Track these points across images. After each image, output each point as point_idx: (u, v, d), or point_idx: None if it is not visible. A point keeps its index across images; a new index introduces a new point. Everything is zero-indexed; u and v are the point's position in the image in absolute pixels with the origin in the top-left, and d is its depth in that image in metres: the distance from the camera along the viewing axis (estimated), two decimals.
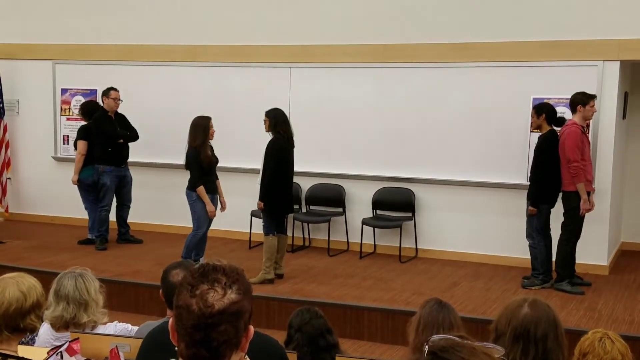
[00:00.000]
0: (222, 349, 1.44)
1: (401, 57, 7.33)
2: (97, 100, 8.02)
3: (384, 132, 7.47)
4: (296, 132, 7.73)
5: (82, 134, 7.62)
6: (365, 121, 7.52)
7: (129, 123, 7.72)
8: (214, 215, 6.53)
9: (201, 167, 6.41)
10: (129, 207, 7.88)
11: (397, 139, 7.43)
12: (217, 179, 6.66)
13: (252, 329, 1.50)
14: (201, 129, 6.39)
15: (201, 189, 6.42)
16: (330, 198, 7.71)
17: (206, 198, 6.43)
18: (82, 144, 7.57)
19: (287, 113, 7.73)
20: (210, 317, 1.41)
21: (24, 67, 8.91)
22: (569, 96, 6.26)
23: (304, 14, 7.70)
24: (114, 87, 7.59)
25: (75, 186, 7.65)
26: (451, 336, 1.50)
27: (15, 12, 8.89)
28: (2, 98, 8.81)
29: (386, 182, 7.51)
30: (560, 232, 6.21)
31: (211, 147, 6.54)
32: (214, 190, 6.57)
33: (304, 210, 7.83)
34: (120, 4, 8.43)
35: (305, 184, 7.81)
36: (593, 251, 6.71)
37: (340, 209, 7.68)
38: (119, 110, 7.66)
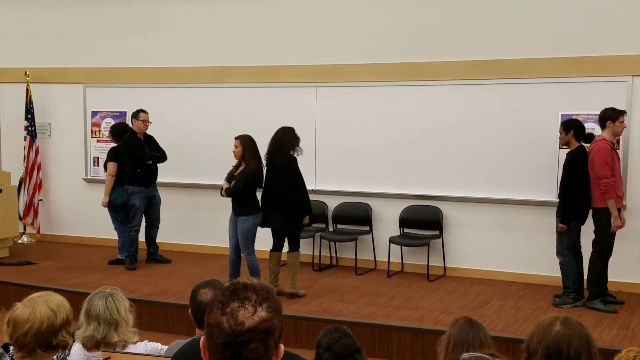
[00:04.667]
0: None
1: (427, 75, 7.33)
2: (127, 122, 8.14)
3: (410, 150, 7.46)
4: (322, 150, 7.81)
5: (111, 155, 7.73)
6: (391, 139, 7.52)
7: (158, 144, 7.82)
8: None
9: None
10: (158, 227, 7.95)
11: (424, 156, 7.41)
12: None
13: (282, 347, 1.50)
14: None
15: None
16: (357, 216, 7.70)
17: None
18: (112, 166, 7.67)
19: (314, 132, 7.82)
20: (240, 335, 1.42)
21: (55, 91, 9.10)
22: (598, 112, 6.19)
23: (329, 34, 7.76)
24: (143, 109, 7.71)
25: (105, 207, 7.75)
26: (482, 354, 1.49)
27: (46, 37, 9.09)
28: (34, 121, 8.99)
29: (413, 200, 7.48)
30: (591, 249, 6.12)
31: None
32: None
33: (330, 228, 7.82)
34: (148, 28, 8.58)
35: (332, 203, 7.82)
36: (625, 269, 6.59)
37: (367, 228, 7.66)
38: (148, 132, 7.77)
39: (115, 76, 8.74)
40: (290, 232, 6.48)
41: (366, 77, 7.57)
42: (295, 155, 6.42)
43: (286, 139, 6.37)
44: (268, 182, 6.43)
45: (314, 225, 7.76)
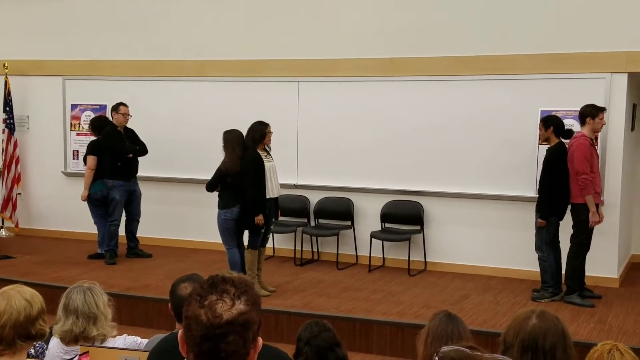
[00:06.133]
0: None
1: (409, 71, 7.35)
2: (107, 116, 8.08)
3: (392, 145, 7.48)
4: (304, 145, 7.81)
5: (91, 149, 7.67)
6: (373, 135, 7.54)
7: (138, 138, 7.76)
8: None
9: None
10: (138, 221, 7.90)
11: (406, 152, 7.44)
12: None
13: (260, 340, 1.50)
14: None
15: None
16: (339, 211, 7.71)
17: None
18: (91, 159, 7.61)
19: (296, 127, 7.81)
20: (218, 328, 1.42)
21: (34, 83, 9.00)
22: (577, 108, 6.25)
23: (311, 29, 7.75)
24: (124, 102, 7.65)
25: (84, 201, 7.68)
26: (461, 347, 1.50)
27: (25, 29, 8.99)
28: (12, 114, 8.89)
29: (395, 195, 7.51)
30: (569, 244, 6.18)
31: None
32: None
33: (312, 223, 7.83)
34: (129, 21, 8.51)
35: (313, 198, 7.82)
36: (603, 264, 6.67)
37: (349, 222, 7.68)
38: (128, 125, 7.71)
39: (95, 69, 8.67)
40: (246, 228, 6.39)
41: (348, 72, 7.57)
42: (263, 149, 6.31)
43: (249, 134, 6.29)
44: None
45: (296, 219, 7.79)
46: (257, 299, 1.50)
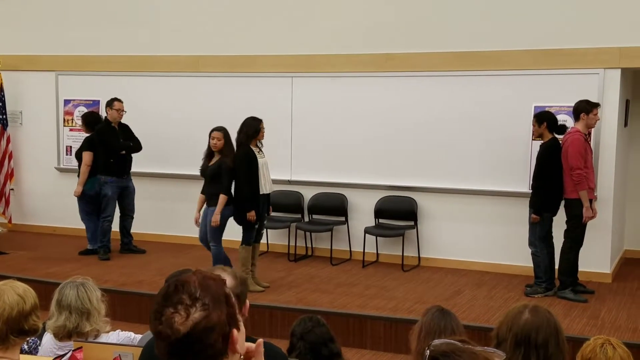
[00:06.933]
0: None
1: (403, 66, 7.35)
2: (100, 111, 8.04)
3: (386, 141, 7.48)
4: (298, 141, 7.81)
5: (87, 145, 7.63)
6: (367, 130, 7.53)
7: (133, 134, 7.74)
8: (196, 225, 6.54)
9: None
10: (132, 217, 7.89)
11: (400, 148, 7.44)
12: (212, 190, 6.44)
13: (235, 332, 1.46)
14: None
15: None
16: (333, 207, 7.71)
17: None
18: (87, 155, 7.56)
19: (290, 122, 7.81)
20: (179, 342, 1.40)
21: (27, 79, 8.95)
22: (570, 104, 6.27)
23: (305, 24, 7.74)
24: (118, 98, 7.62)
25: (77, 197, 7.65)
26: (452, 341, 1.50)
27: (18, 23, 8.94)
28: (5, 109, 8.85)
29: (388, 191, 7.51)
30: (562, 240, 6.20)
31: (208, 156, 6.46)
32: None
33: (306, 219, 7.83)
34: (123, 16, 8.48)
35: (307, 193, 7.82)
36: (596, 259, 6.70)
37: (343, 218, 7.68)
38: (123, 121, 7.68)
39: (88, 64, 8.63)
40: (240, 224, 6.38)
41: (342, 67, 7.56)
42: (255, 145, 6.29)
43: (243, 129, 6.26)
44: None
45: (290, 215, 7.79)
46: (218, 296, 1.44)
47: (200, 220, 6.48)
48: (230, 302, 1.47)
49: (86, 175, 7.56)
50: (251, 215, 6.17)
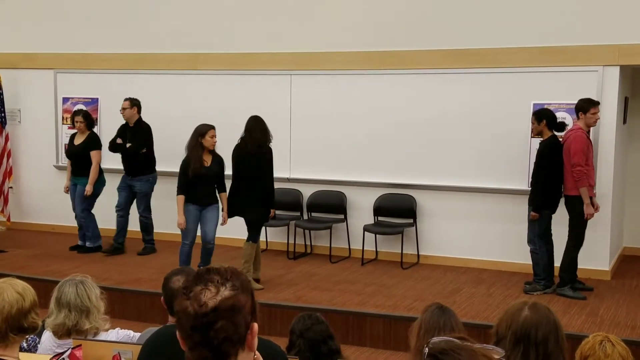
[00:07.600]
0: (224, 347, 1.44)
1: (401, 64, 7.34)
2: (97, 109, 8.02)
3: (385, 138, 7.48)
4: (297, 138, 7.80)
5: (94, 143, 7.65)
6: (365, 128, 7.53)
7: (141, 135, 7.61)
8: (183, 227, 6.46)
9: (186, 175, 6.35)
10: (144, 217, 7.81)
11: (399, 145, 7.44)
12: (223, 191, 6.53)
13: (256, 326, 1.49)
14: (194, 137, 6.38)
15: (178, 199, 6.37)
16: (332, 205, 7.71)
17: (180, 208, 6.36)
18: (96, 154, 7.60)
19: (288, 120, 7.81)
20: (204, 316, 1.42)
21: (25, 77, 8.94)
22: (570, 102, 6.29)
23: (304, 22, 7.73)
24: (128, 97, 7.60)
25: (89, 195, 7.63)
26: (451, 338, 1.50)
27: (17, 21, 8.93)
28: (3, 107, 8.83)
29: (387, 189, 7.51)
30: (560, 237, 6.20)
31: (213, 157, 6.47)
32: (194, 201, 6.45)
33: (305, 217, 7.83)
34: (121, 13, 8.46)
35: (306, 191, 7.82)
36: (595, 256, 6.70)
37: (342, 216, 7.68)
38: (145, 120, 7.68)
39: (86, 62, 8.62)
40: (258, 222, 6.44)
41: (340, 65, 7.56)
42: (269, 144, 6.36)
43: (262, 127, 6.30)
44: (242, 172, 6.34)
45: (289, 213, 7.78)
46: (246, 284, 1.50)
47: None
48: (254, 297, 1.51)
49: (97, 173, 7.57)
50: (274, 211, 6.48)
